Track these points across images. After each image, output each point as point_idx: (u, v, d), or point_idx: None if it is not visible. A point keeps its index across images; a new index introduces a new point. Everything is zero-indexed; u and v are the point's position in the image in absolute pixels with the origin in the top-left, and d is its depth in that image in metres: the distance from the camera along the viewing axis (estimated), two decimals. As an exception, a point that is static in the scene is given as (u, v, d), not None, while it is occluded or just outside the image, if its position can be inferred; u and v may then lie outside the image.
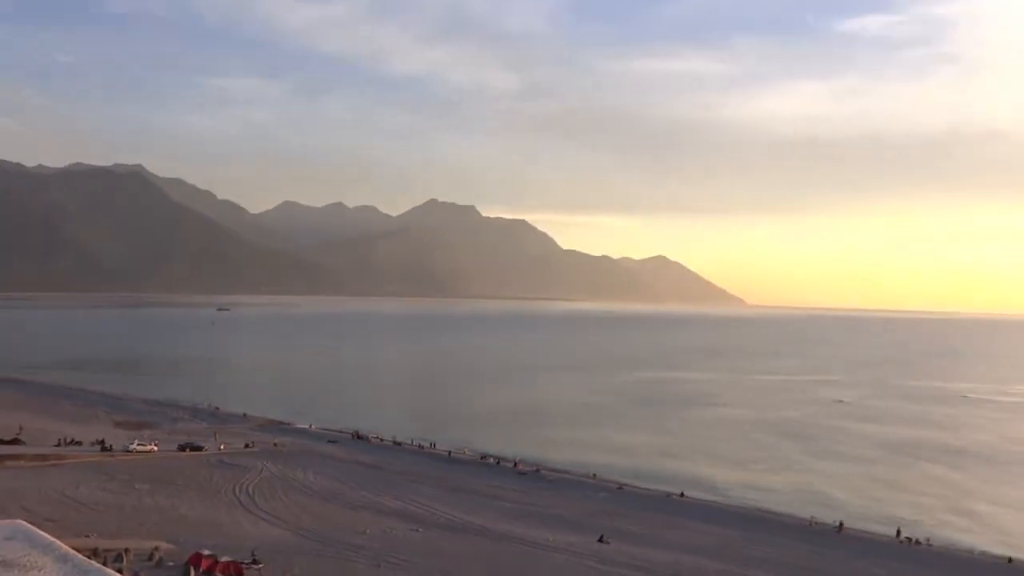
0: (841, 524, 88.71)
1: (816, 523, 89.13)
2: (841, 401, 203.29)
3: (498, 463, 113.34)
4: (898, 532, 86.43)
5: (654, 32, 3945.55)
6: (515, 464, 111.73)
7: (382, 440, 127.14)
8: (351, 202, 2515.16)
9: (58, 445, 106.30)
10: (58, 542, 16.84)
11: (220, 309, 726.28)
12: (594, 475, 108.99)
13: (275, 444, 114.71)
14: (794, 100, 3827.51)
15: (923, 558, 78.00)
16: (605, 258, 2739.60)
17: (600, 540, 74.32)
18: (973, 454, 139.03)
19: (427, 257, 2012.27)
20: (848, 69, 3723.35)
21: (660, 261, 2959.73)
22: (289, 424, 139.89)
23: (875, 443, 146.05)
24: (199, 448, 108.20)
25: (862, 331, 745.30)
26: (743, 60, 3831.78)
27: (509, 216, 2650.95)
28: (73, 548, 16.78)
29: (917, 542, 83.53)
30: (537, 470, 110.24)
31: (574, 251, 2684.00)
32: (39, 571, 15.34)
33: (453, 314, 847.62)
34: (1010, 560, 78.58)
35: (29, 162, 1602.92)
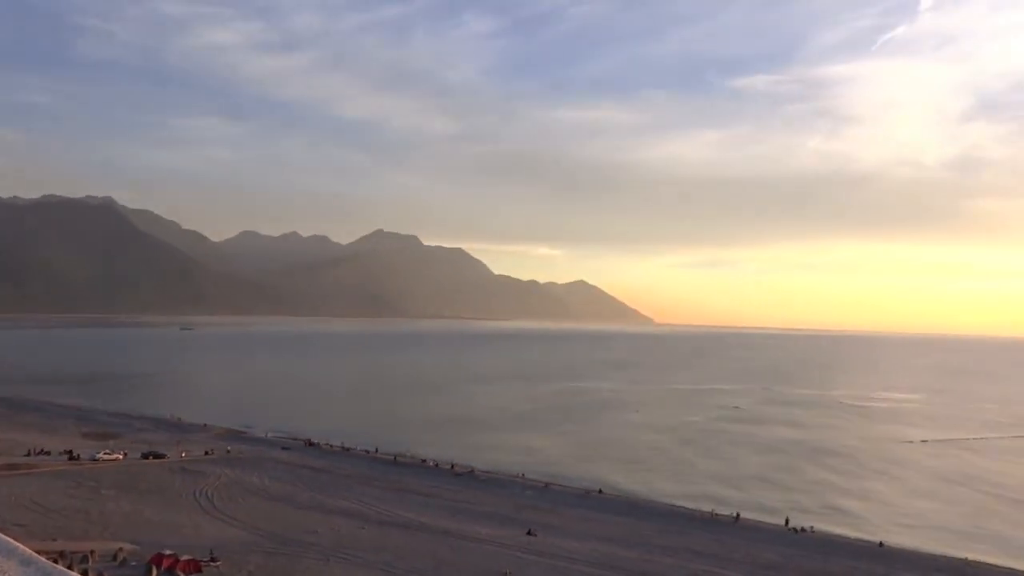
0: (738, 515, 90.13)
1: (716, 515, 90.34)
2: (737, 407, 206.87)
3: (436, 466, 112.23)
4: (787, 521, 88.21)
5: (576, 85, 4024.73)
6: (452, 466, 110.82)
7: (332, 446, 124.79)
8: (305, 231, 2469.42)
9: (28, 455, 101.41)
10: (22, 546, 16.10)
11: (183, 328, 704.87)
12: (522, 475, 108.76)
13: (228, 451, 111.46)
14: (695, 146, 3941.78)
15: (808, 544, 79.57)
16: (533, 282, 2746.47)
17: (528, 533, 74.11)
18: (844, 452, 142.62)
19: (374, 281, 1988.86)
20: (740, 120, 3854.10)
21: (581, 285, 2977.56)
22: (246, 433, 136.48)
23: (766, 444, 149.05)
24: (162, 456, 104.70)
25: (757, 346, 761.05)
26: (652, 110, 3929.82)
27: (448, 245, 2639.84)
28: (40, 551, 16.12)
29: (802, 530, 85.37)
30: (472, 471, 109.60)
31: (506, 276, 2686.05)
32: (3, 574, 14.66)
33: (398, 333, 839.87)
34: (881, 544, 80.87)
35: (4, 193, 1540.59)
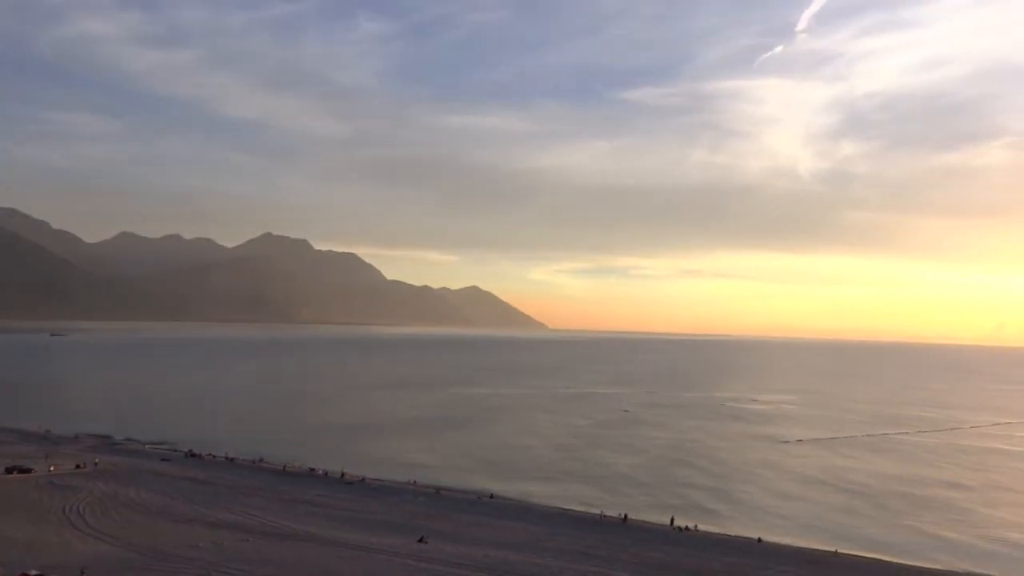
0: (626, 516, 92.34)
1: (605, 517, 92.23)
2: (626, 411, 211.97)
3: (326, 474, 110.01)
4: (672, 521, 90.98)
5: (468, 93, 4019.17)
6: (342, 475, 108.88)
7: (215, 457, 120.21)
8: (187, 234, 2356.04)
9: None
10: None
11: (53, 334, 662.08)
12: (414, 482, 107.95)
13: (96, 463, 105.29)
14: (587, 155, 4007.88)
15: (692, 542, 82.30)
16: (426, 288, 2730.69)
17: (420, 540, 73.54)
18: (726, 452, 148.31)
19: (263, 286, 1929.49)
20: (630, 131, 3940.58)
21: (474, 291, 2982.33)
22: (122, 444, 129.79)
23: (653, 445, 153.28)
24: (28, 470, 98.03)
25: (646, 351, 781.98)
26: (543, 120, 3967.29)
27: (340, 249, 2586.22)
28: None
29: (687, 528, 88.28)
30: (362, 479, 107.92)
31: (399, 282, 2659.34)
32: None
33: (286, 339, 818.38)
34: (759, 540, 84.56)
35: None
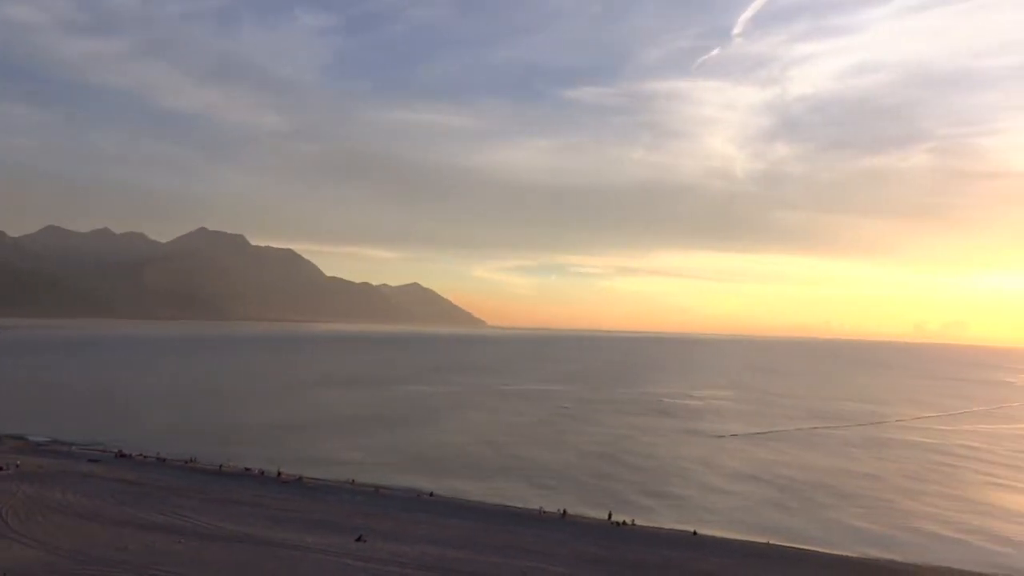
0: (564, 511, 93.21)
1: (544, 512, 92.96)
2: (566, 407, 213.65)
3: (262, 474, 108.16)
4: (610, 515, 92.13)
5: (410, 88, 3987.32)
6: (278, 474, 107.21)
7: (146, 457, 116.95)
8: (118, 228, 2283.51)
9: None
10: None
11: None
12: (352, 481, 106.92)
13: (18, 464, 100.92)
14: (529, 153, 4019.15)
15: (629, 536, 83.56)
16: (366, 284, 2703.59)
17: (358, 539, 72.85)
18: (664, 447, 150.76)
19: (198, 282, 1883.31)
20: (572, 130, 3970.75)
21: (415, 288, 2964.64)
22: (48, 445, 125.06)
23: (593, 442, 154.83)
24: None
25: (587, 348, 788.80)
26: (486, 117, 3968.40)
27: (278, 245, 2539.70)
28: None
29: (624, 523, 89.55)
30: (299, 479, 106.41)
31: (338, 278, 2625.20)
32: None
33: (222, 336, 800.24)
34: (695, 533, 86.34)
35: None
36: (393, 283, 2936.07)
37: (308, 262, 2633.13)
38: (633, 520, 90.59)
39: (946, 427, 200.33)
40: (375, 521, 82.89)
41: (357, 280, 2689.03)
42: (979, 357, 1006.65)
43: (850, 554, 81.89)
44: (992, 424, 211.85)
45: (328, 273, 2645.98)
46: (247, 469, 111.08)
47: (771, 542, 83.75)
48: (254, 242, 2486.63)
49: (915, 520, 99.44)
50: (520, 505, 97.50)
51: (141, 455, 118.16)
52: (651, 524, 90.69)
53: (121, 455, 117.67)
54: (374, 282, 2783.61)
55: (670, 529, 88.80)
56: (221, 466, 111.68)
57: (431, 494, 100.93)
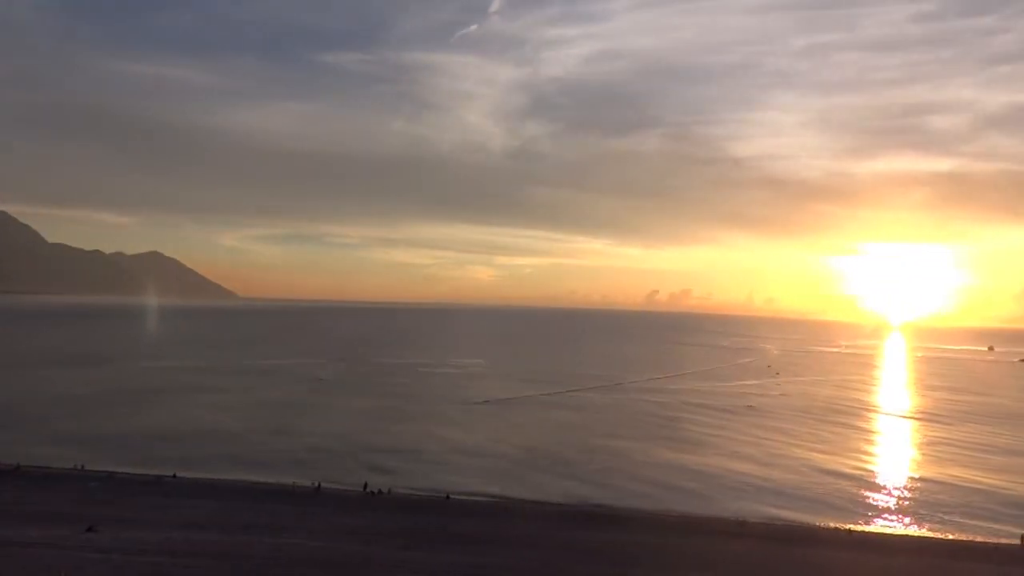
0: (319, 485, 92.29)
1: (297, 486, 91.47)
2: (321, 379, 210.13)
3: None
4: (365, 486, 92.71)
5: (148, 39, 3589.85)
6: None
7: None
8: None
9: None
10: None
11: None
12: (82, 467, 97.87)
13: None
14: (280, 116, 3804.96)
15: (385, 504, 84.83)
16: (97, 252, 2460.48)
17: (89, 529, 67.10)
18: (420, 415, 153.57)
19: None
20: (328, 95, 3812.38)
21: (155, 256, 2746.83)
22: None
23: (350, 412, 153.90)
24: None
25: (343, 319, 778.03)
26: (233, 76, 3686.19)
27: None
28: None
29: (380, 492, 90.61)
30: (17, 467, 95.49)
31: (62, 245, 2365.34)
32: None
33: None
34: (447, 497, 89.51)
35: None
36: (130, 251, 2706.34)
37: (25, 226, 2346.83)
38: (389, 488, 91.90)
39: (674, 386, 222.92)
40: (110, 509, 76.68)
41: (87, 247, 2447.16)
42: (700, 323, 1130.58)
43: (582, 504, 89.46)
44: (710, 382, 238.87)
45: (51, 239, 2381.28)
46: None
47: (521, 497, 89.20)
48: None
49: (646, 470, 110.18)
50: (272, 481, 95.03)
51: None
52: (406, 492, 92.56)
53: None
54: (107, 250, 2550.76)
55: (426, 495, 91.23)
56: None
57: (175, 475, 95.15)
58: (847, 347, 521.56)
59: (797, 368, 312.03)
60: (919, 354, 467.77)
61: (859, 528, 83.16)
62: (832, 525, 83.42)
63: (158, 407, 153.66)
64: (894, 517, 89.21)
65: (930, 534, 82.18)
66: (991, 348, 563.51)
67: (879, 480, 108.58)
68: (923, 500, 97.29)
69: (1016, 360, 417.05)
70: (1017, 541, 76.74)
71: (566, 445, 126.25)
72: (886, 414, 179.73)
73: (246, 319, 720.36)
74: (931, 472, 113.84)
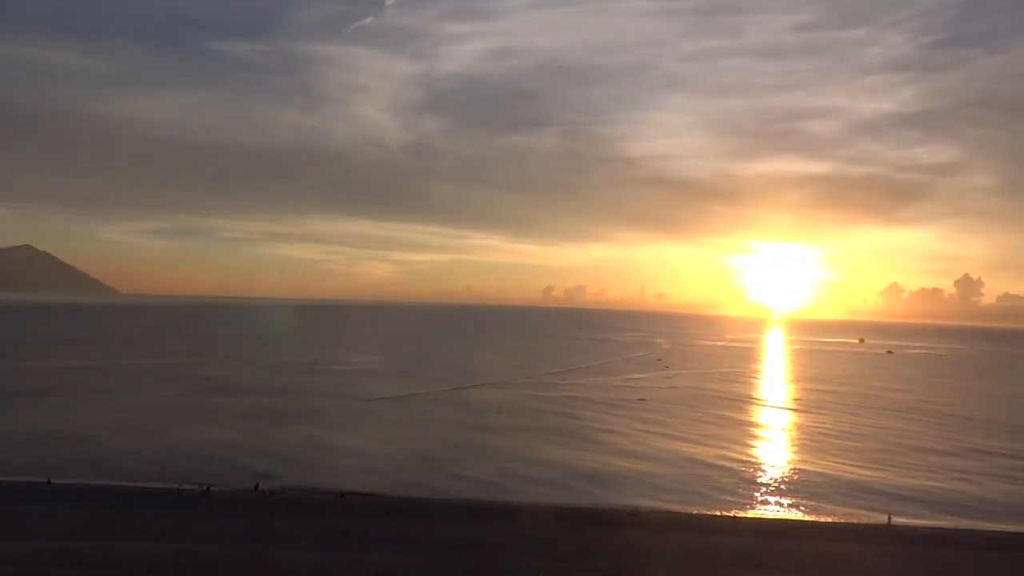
0: (208, 487, 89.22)
1: (184, 489, 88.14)
2: (209, 378, 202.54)
3: None
4: (256, 486, 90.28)
5: (24, 19, 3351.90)
6: None
7: None
8: None
9: None
10: None
11: None
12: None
13: None
14: (168, 106, 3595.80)
15: (276, 505, 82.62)
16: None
17: (-48, 542, 62.90)
18: (315, 412, 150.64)
19: None
20: (217, 85, 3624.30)
21: (28, 250, 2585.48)
22: None
23: (242, 412, 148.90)
24: None
25: (232, 316, 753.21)
26: (116, 62, 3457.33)
27: None
28: None
29: (271, 492, 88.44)
30: None
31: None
32: None
33: None
34: (343, 495, 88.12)
35: None
36: (0, 244, 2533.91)
37: None
38: (281, 488, 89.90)
39: (568, 381, 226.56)
40: (-23, 519, 72.07)
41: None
42: (594, 319, 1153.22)
43: (470, 498, 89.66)
44: (603, 376, 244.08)
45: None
46: None
47: (413, 496, 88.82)
48: None
49: (534, 466, 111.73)
50: (158, 485, 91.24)
51: None
52: (300, 490, 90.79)
53: None
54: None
55: (320, 494, 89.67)
56: None
57: (49, 482, 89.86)
58: (732, 340, 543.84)
59: (687, 361, 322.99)
60: (796, 346, 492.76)
61: (742, 515, 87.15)
62: (717, 512, 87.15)
63: (27, 409, 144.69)
64: (772, 501, 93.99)
65: (805, 517, 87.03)
66: (862, 340, 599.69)
67: (759, 468, 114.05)
68: (798, 487, 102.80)
69: (883, 352, 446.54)
70: (885, 520, 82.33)
71: (458, 444, 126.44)
72: (768, 405, 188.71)
73: (128, 316, 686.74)
74: (806, 460, 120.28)
